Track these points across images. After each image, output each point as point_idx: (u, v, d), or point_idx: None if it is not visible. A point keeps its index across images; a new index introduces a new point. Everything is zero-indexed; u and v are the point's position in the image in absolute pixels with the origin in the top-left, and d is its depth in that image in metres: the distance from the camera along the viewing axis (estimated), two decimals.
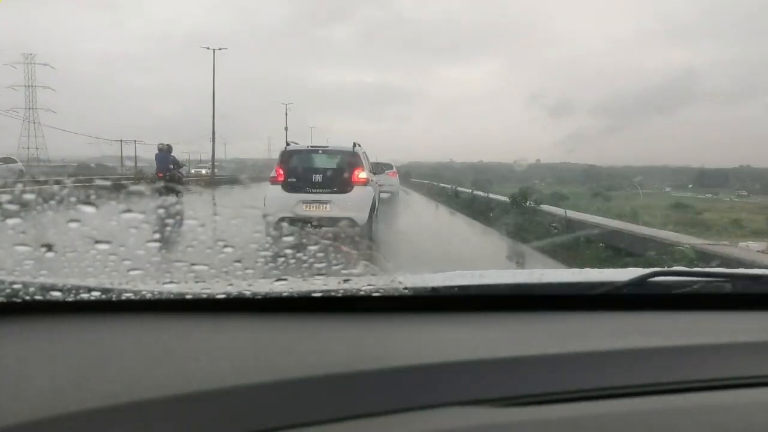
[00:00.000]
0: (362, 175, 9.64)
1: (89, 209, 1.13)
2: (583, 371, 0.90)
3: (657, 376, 0.90)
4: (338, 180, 9.54)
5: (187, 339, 1.00)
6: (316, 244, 1.06)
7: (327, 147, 10.39)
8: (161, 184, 12.63)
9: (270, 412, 0.77)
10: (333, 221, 8.97)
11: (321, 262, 1.02)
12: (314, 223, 8.75)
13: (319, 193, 9.41)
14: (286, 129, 52.90)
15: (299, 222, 8.82)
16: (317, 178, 9.51)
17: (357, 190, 9.52)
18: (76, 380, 0.82)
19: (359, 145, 10.31)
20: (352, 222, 9.14)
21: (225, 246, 1.15)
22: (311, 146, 10.50)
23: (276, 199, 9.25)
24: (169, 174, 13.95)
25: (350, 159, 9.85)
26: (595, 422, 0.80)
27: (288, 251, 1.08)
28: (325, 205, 9.32)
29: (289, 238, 1.14)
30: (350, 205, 9.33)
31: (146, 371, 0.85)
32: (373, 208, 9.82)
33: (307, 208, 9.27)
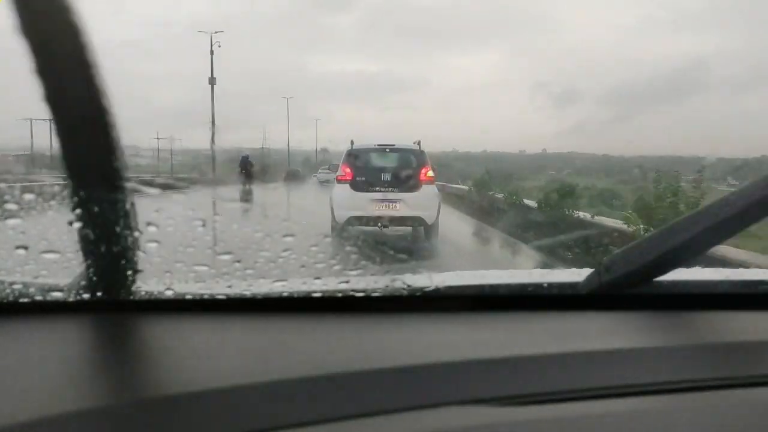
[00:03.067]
0: (430, 173, 9.67)
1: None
2: (583, 371, 0.90)
3: (657, 376, 0.90)
4: (407, 179, 9.53)
5: (186, 339, 1.01)
6: (316, 244, 1.07)
7: (393, 145, 10.34)
8: (243, 176, 21.48)
9: (270, 412, 0.77)
10: (403, 221, 9.12)
11: (321, 263, 1.02)
12: (383, 223, 8.88)
13: (389, 192, 9.41)
14: (211, 82, 37.64)
15: (368, 219, 8.90)
16: (386, 176, 9.53)
17: (425, 189, 9.51)
18: (76, 380, 0.83)
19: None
20: (422, 221, 9.24)
21: (227, 252, 1.16)
22: (378, 145, 10.44)
23: (345, 198, 9.29)
24: (246, 170, 22.36)
25: (417, 157, 9.84)
26: (595, 422, 0.79)
27: (288, 251, 1.09)
28: (395, 204, 9.29)
29: (289, 239, 1.15)
30: (420, 203, 9.29)
31: (146, 371, 0.86)
32: (439, 208, 9.74)
33: (377, 208, 9.22)
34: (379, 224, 8.86)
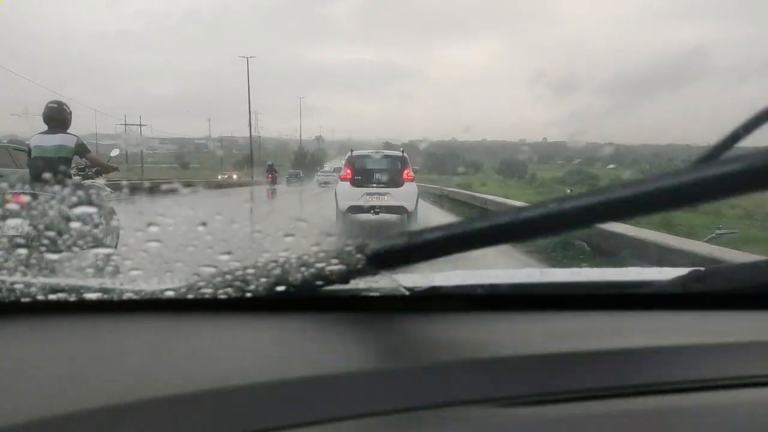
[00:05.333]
0: (410, 173, 12.77)
1: None
2: (583, 371, 0.90)
3: (657, 376, 0.90)
4: (392, 177, 12.58)
5: (187, 339, 1.01)
6: (317, 243, 1.07)
7: (383, 152, 13.69)
8: (269, 179, 29.52)
9: (270, 412, 0.77)
10: (390, 209, 12.05)
11: (321, 262, 1.01)
12: (375, 210, 11.96)
13: (379, 187, 12.41)
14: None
15: (364, 208, 11.98)
16: (377, 176, 12.60)
17: (406, 185, 12.59)
18: (77, 380, 0.83)
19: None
20: (404, 209, 12.21)
21: (227, 253, 1.16)
22: (372, 151, 13.84)
23: (346, 191, 12.46)
24: (272, 175, 30.93)
25: (400, 161, 12.95)
26: (595, 422, 0.80)
27: (287, 251, 1.09)
28: (383, 197, 12.25)
29: (289, 239, 1.15)
30: (402, 196, 12.30)
31: (147, 371, 0.86)
32: (417, 200, 12.76)
33: (370, 199, 12.22)
34: (372, 211, 11.91)
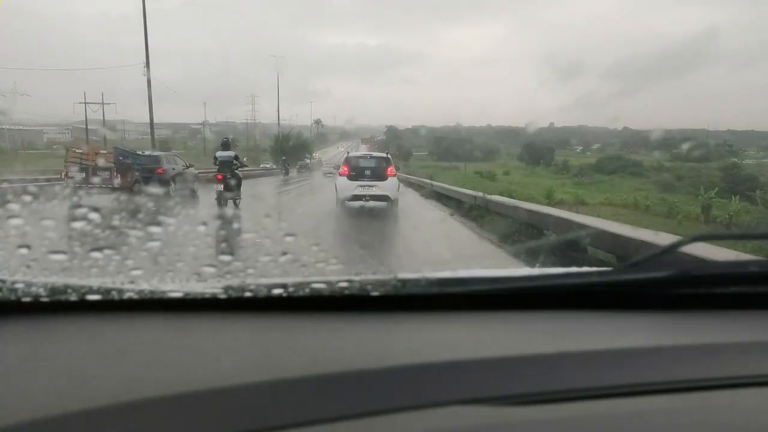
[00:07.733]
0: (393, 170, 16.69)
1: None
2: (582, 371, 0.90)
3: (657, 376, 0.90)
4: (379, 173, 16.28)
5: (188, 338, 1.01)
6: (317, 244, 1.06)
7: (372, 154, 18.04)
8: (283, 170, 37.90)
9: (270, 411, 0.77)
10: (377, 197, 15.63)
11: (321, 262, 1.01)
12: (366, 198, 15.56)
13: (369, 180, 15.99)
14: None
15: (358, 197, 15.65)
16: (367, 172, 16.28)
17: (390, 179, 16.32)
18: (78, 380, 0.84)
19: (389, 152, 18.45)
20: (388, 197, 15.89)
21: (227, 252, 1.16)
22: (363, 153, 18.52)
23: (344, 184, 16.12)
24: (285, 168, 37.31)
25: (385, 160, 16.87)
26: (595, 422, 0.80)
27: (288, 251, 1.09)
28: (372, 188, 15.87)
29: (290, 238, 1.14)
30: (387, 187, 16.00)
31: (148, 370, 0.86)
32: (398, 189, 16.79)
33: (362, 189, 15.90)
34: (364, 199, 15.68)
